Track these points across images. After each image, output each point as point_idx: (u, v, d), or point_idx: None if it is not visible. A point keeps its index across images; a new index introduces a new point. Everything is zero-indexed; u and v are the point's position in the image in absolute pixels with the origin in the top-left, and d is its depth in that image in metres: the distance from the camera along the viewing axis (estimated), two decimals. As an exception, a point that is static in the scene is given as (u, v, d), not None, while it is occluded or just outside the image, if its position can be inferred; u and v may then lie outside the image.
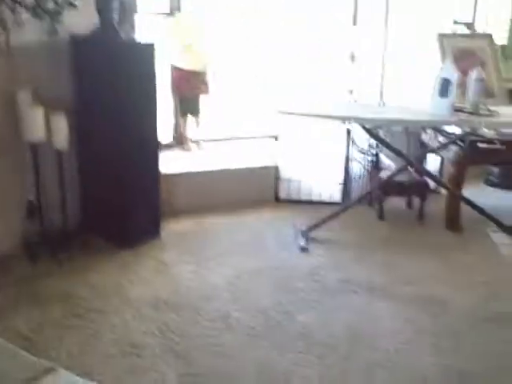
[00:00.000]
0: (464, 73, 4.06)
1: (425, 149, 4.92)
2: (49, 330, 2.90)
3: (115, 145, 3.76)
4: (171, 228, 4.21)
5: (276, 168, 4.89)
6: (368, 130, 4.54)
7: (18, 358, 2.57)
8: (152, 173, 3.99)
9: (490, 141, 4.43)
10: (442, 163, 5.18)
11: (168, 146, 4.99)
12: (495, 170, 5.55)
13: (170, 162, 4.58)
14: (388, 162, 4.97)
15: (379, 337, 3.02)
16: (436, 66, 4.32)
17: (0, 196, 3.44)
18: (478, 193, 4.97)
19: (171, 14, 4.86)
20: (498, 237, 4.30)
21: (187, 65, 4.90)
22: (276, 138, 4.94)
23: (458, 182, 4.52)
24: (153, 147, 3.98)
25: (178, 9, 4.85)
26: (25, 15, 3.37)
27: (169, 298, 3.31)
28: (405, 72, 5.13)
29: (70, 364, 2.54)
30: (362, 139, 4.93)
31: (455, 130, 4.60)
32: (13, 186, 3.68)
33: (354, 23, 4.77)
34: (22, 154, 3.64)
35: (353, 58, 4.98)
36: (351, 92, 5.03)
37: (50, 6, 3.42)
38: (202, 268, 3.70)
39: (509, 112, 4.14)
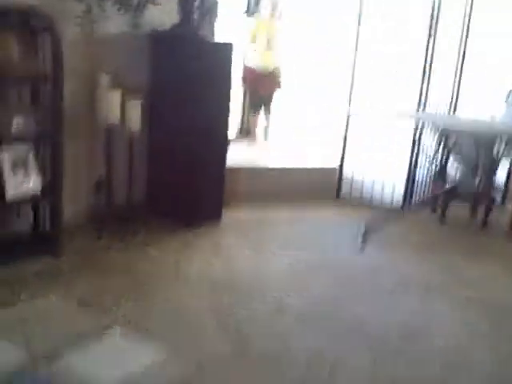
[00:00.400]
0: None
1: (495, 159, 4.81)
2: (108, 298, 3.01)
3: (186, 135, 3.90)
4: (232, 215, 4.30)
5: (340, 168, 4.91)
6: (440, 137, 4.53)
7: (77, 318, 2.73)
8: (219, 163, 4.13)
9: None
10: (508, 175, 5.06)
11: (235, 139, 5.12)
12: None
13: (236, 154, 4.68)
14: (453, 173, 4.91)
15: (434, 336, 2.97)
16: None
17: (72, 170, 3.59)
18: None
19: (249, 15, 5.00)
20: None
21: (261, 66, 5.02)
22: (344, 139, 4.95)
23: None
24: (222, 139, 4.13)
25: (256, 11, 4.99)
26: (111, 9, 3.57)
27: (224, 278, 3.38)
28: (477, 86, 5.07)
29: (125, 327, 2.66)
30: (429, 147, 4.89)
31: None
32: (85, 161, 3.86)
33: (431, 35, 4.73)
34: (96, 133, 3.82)
35: (427, 69, 4.94)
36: (422, 100, 4.98)
37: (135, 1, 3.60)
38: (259, 254, 3.76)
39: None
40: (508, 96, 4.67)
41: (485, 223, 4.57)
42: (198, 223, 4.03)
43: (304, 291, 3.33)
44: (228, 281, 3.36)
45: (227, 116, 4.11)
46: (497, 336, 3.00)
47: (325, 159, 5.05)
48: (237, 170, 4.50)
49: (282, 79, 5.27)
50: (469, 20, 4.76)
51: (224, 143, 4.15)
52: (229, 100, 4.06)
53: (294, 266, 3.65)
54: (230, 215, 4.27)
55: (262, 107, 5.24)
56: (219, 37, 4.27)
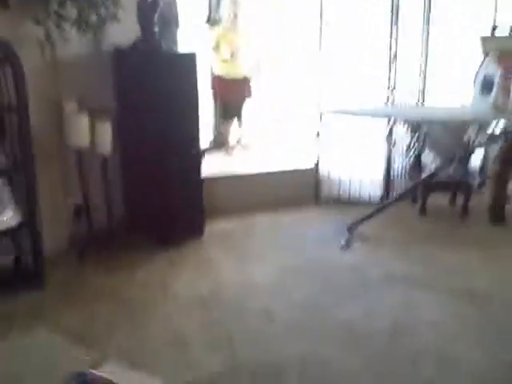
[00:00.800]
0: (507, 71, 4.02)
1: (468, 147, 4.85)
2: (98, 326, 2.98)
3: (158, 150, 3.87)
4: (214, 227, 4.28)
5: (316, 168, 4.91)
6: (414, 129, 4.56)
7: (70, 352, 2.68)
8: (195, 175, 4.08)
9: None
10: (484, 160, 5.11)
11: (208, 150, 5.09)
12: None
13: (211, 165, 4.67)
14: (428, 162, 4.94)
15: (422, 328, 3.00)
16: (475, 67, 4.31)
17: (49, 199, 3.55)
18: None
19: (211, 24, 4.98)
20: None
21: (229, 74, 4.99)
22: (317, 137, 4.95)
23: (502, 177, 4.47)
24: (195, 151, 4.07)
25: (218, 20, 4.96)
26: (71, 30, 3.52)
27: (211, 293, 3.37)
28: (444, 72, 5.11)
29: (118, 357, 2.62)
30: (403, 139, 4.92)
31: (497, 130, 4.56)
32: (60, 189, 3.81)
33: (395, 23, 4.74)
34: (68, 159, 3.78)
35: (393, 58, 4.95)
36: (391, 92, 5.01)
37: (94, 19, 3.55)
38: (245, 264, 3.75)
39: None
40: (474, 80, 4.69)
41: (464, 211, 4.61)
42: (180, 239, 3.99)
43: (291, 297, 3.33)
44: (216, 295, 3.34)
45: (198, 127, 4.05)
46: (485, 325, 3.03)
47: (301, 160, 5.05)
48: (213, 181, 4.48)
49: (253, 87, 5.24)
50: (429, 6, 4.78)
51: (198, 155, 4.11)
52: (198, 110, 4.01)
53: (279, 272, 3.64)
54: (211, 227, 4.24)
55: (234, 116, 5.20)
56: (183, 47, 4.22)
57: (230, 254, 3.91)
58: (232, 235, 4.23)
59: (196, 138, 4.07)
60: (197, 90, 3.97)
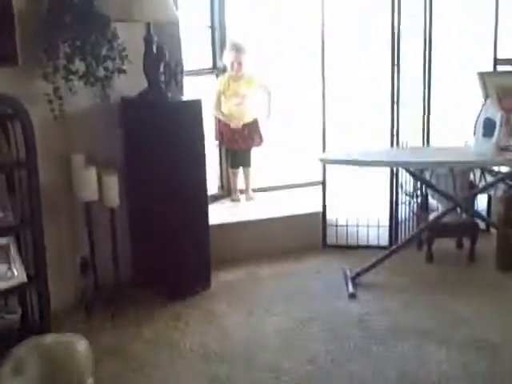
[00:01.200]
0: (509, 111, 4.04)
1: (472, 189, 4.86)
2: (104, 385, 2.97)
3: (165, 200, 3.88)
4: (221, 278, 4.27)
5: (323, 214, 4.92)
6: (413, 174, 4.56)
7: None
8: (202, 225, 4.07)
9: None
10: (489, 202, 5.11)
11: (215, 197, 5.10)
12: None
13: (218, 213, 4.68)
14: (436, 205, 4.94)
15: (434, 382, 2.97)
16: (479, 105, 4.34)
17: (56, 253, 3.57)
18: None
19: (217, 72, 5.01)
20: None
21: (235, 121, 4.98)
22: (323, 184, 4.96)
23: (507, 220, 4.46)
24: (202, 201, 4.08)
25: (222, 68, 4.99)
26: (78, 84, 3.58)
27: (219, 348, 3.35)
28: (448, 112, 5.14)
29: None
30: (409, 182, 4.93)
31: (503, 168, 4.57)
32: (67, 243, 3.83)
33: (396, 64, 4.76)
34: (75, 212, 3.81)
35: (394, 100, 4.98)
36: (394, 135, 5.02)
37: (101, 73, 3.61)
38: (252, 317, 3.74)
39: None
40: (476, 124, 4.69)
41: (472, 255, 4.58)
42: (187, 292, 3.98)
43: (300, 352, 3.31)
44: (224, 351, 3.33)
45: (204, 174, 4.06)
46: (497, 376, 3.00)
47: (307, 204, 5.06)
48: (220, 229, 4.48)
49: (263, 132, 5.19)
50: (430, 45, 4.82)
51: (204, 204, 4.12)
52: (204, 157, 4.02)
53: (288, 326, 3.62)
54: (218, 278, 4.23)
55: (242, 165, 5.17)
56: (190, 95, 4.25)
57: (238, 306, 3.89)
58: (239, 286, 4.21)
59: (203, 187, 4.08)
60: (203, 136, 3.98)
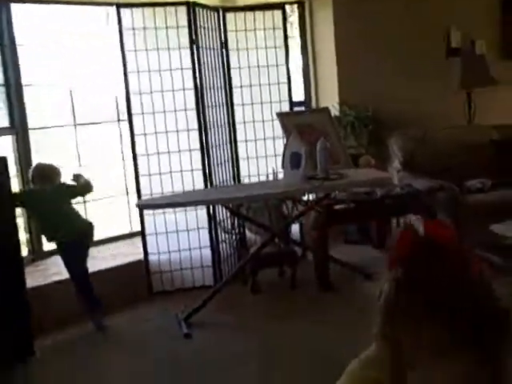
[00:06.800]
0: (310, 145, 4.37)
1: (286, 219, 5.10)
2: None
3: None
4: (46, 342, 3.99)
5: (145, 262, 4.83)
6: (232, 211, 4.70)
7: None
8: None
9: (343, 201, 4.77)
10: (301, 230, 5.42)
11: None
12: (352, 228, 5.85)
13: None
14: (254, 238, 5.10)
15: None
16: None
17: None
18: (340, 251, 5.20)
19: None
20: (368, 286, 4.50)
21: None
22: (142, 232, 4.88)
23: (321, 244, 4.75)
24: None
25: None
26: None
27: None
28: (252, 151, 5.39)
29: None
30: (226, 219, 5.04)
31: (311, 197, 4.89)
32: None
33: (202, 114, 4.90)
34: None
35: (205, 146, 5.09)
36: (208, 177, 5.11)
37: None
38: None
39: (355, 173, 4.50)
40: (283, 159, 4.96)
41: (293, 281, 4.79)
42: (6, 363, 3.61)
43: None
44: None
45: (17, 235, 3.83)
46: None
47: (130, 255, 4.94)
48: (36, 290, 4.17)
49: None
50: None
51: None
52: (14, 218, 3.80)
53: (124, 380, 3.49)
54: (43, 342, 3.95)
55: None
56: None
57: (66, 374, 3.64)
58: (67, 349, 3.96)
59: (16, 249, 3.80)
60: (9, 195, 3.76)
